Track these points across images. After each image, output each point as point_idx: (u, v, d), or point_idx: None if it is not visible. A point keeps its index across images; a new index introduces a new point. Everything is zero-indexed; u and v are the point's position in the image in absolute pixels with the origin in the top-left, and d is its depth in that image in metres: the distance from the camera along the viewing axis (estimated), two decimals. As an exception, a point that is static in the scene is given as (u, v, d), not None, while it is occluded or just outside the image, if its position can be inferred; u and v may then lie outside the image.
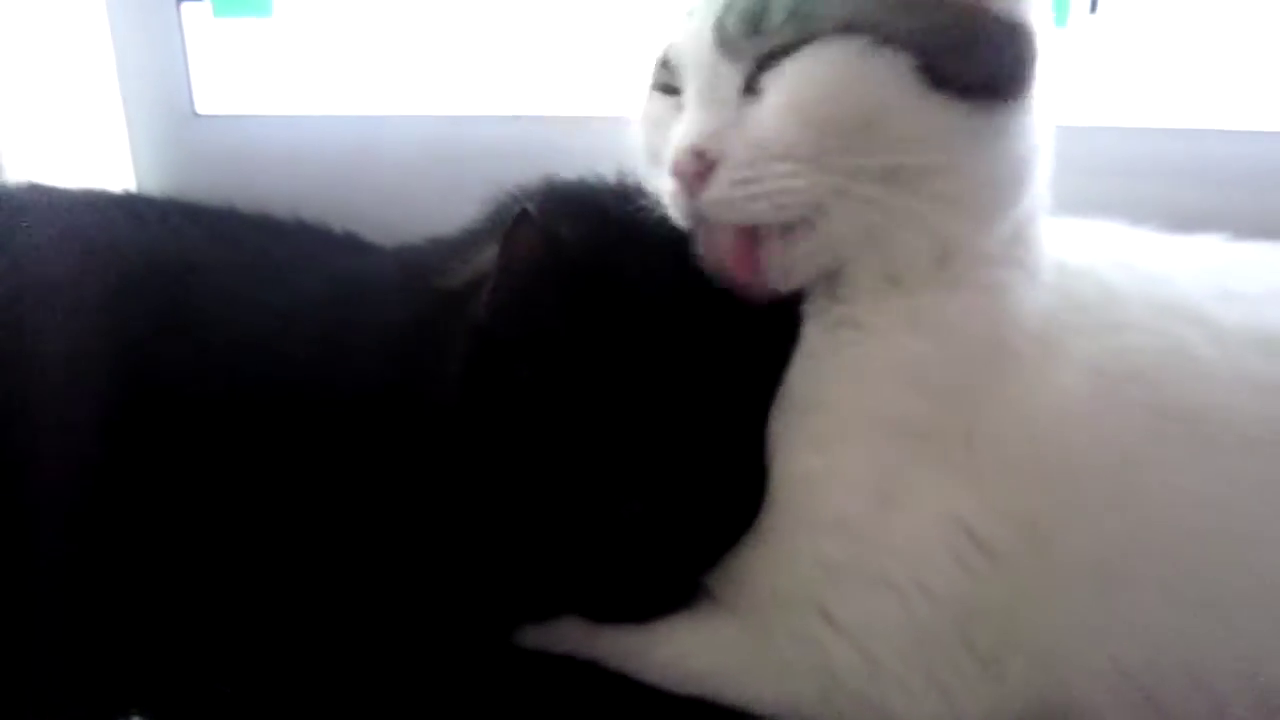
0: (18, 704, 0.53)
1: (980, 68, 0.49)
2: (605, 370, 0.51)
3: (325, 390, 0.55)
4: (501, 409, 0.51)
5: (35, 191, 0.72)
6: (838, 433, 0.52)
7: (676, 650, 0.54)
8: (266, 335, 0.58)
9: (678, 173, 0.49)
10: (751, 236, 0.51)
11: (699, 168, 0.49)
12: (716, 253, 0.52)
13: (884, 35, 0.47)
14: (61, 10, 0.87)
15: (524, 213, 0.49)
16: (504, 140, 0.82)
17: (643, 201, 0.54)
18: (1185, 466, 0.50)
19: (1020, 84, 0.50)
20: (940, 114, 0.48)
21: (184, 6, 0.84)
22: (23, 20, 0.87)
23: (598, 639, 0.56)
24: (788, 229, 0.50)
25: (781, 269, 0.51)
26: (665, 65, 0.53)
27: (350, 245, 0.70)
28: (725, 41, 0.49)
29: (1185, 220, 0.60)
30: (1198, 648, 0.49)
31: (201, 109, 0.87)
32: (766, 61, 0.49)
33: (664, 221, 0.53)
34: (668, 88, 0.53)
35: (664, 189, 0.52)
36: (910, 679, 0.51)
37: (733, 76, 0.49)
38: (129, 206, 0.70)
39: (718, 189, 0.49)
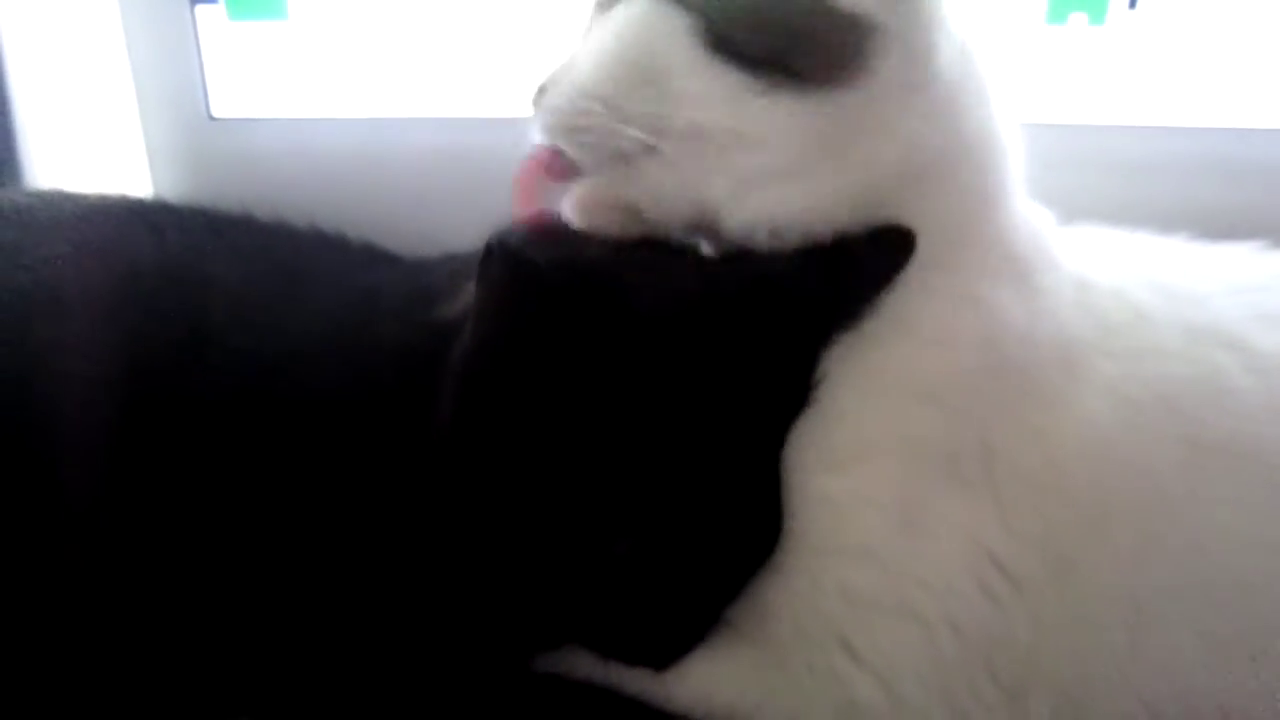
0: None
1: (771, 44, 0.48)
2: (586, 402, 0.49)
3: (333, 412, 0.54)
4: (490, 444, 0.50)
5: (53, 199, 0.71)
6: (855, 451, 0.51)
7: (696, 685, 0.53)
8: (278, 352, 0.57)
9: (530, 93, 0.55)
10: (546, 167, 0.54)
11: (541, 86, 0.54)
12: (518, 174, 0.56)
13: None
14: (75, 15, 0.87)
15: (493, 245, 0.47)
16: (527, 143, 0.81)
17: None
18: (1219, 501, 0.49)
19: (836, 72, 0.48)
20: (723, 80, 0.48)
21: (198, 9, 0.82)
22: (38, 25, 0.87)
23: (612, 668, 0.55)
24: (596, 166, 0.52)
25: (571, 206, 0.53)
26: None
27: (367, 257, 0.69)
28: None
29: (1226, 220, 0.59)
30: (1230, 689, 0.48)
31: (217, 112, 0.86)
32: (604, 8, 0.53)
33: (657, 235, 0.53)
34: None
35: None
36: (931, 709, 0.50)
37: (588, 21, 0.55)
38: (147, 215, 0.70)
39: (539, 111, 0.54)
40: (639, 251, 0.53)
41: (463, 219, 0.60)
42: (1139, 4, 0.75)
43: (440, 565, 0.52)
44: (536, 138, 0.54)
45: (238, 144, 0.86)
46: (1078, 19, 0.75)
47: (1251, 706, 0.48)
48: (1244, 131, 0.76)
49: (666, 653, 0.52)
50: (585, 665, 0.55)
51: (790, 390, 0.52)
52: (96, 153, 0.89)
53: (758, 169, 0.49)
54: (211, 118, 0.86)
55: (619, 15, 0.51)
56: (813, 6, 0.48)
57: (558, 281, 0.49)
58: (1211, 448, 0.49)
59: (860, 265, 0.51)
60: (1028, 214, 0.55)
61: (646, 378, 0.49)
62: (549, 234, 0.54)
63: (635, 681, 0.54)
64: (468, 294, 0.51)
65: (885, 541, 0.50)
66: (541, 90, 0.54)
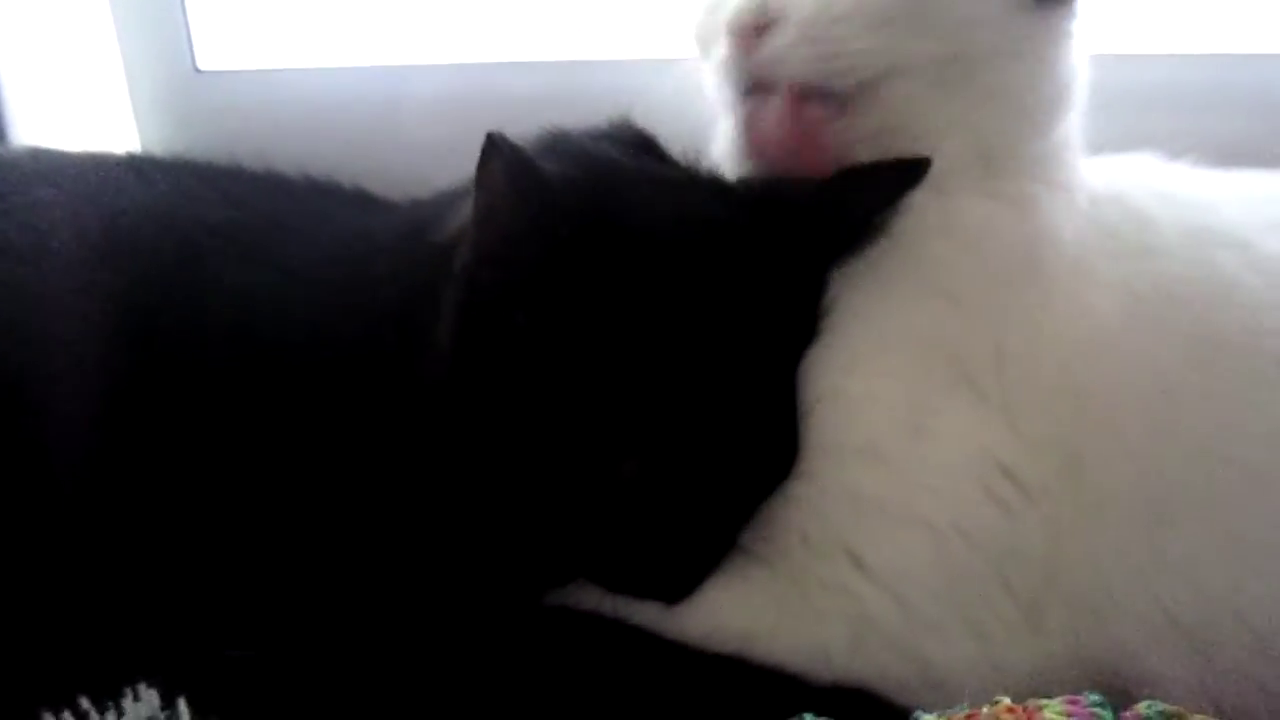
0: (25, 671, 0.52)
1: None
2: (591, 314, 0.48)
3: (332, 352, 0.54)
4: (491, 359, 0.49)
5: (38, 154, 0.70)
6: (868, 349, 0.51)
7: (709, 613, 0.52)
8: (275, 298, 0.56)
9: (733, 28, 0.50)
10: (802, 105, 0.50)
11: (758, 20, 0.49)
12: (763, 127, 0.52)
13: None
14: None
15: (491, 138, 0.45)
16: (522, 88, 0.80)
17: (649, 146, 0.54)
18: (1226, 396, 0.49)
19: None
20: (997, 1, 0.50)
21: (181, -40, 0.82)
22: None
23: (621, 602, 0.53)
24: (841, 100, 0.50)
25: (834, 142, 0.51)
26: None
27: (360, 202, 0.68)
28: None
29: (1230, 148, 0.58)
30: (1247, 589, 0.47)
31: (203, 65, 0.85)
32: None
33: (667, 162, 0.54)
34: None
35: (715, 62, 0.52)
36: (945, 622, 0.50)
37: None
38: (137, 168, 0.69)
39: (776, 44, 0.49)
40: (653, 167, 0.53)
41: (456, 168, 0.59)
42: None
43: (447, 496, 0.51)
44: (768, 76, 0.50)
45: (224, 96, 0.85)
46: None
47: (1268, 607, 0.47)
48: (1246, 57, 0.75)
49: (678, 586, 0.51)
50: (594, 599, 0.54)
51: (801, 309, 0.52)
52: (82, 109, 0.88)
53: (1005, 91, 0.52)
54: (197, 70, 0.85)
55: None
56: None
57: (565, 188, 0.48)
58: (1220, 344, 0.49)
59: (869, 190, 0.52)
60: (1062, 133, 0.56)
61: (652, 289, 0.49)
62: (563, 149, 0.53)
63: (645, 614, 0.53)
64: (463, 214, 0.51)
65: (892, 442, 0.50)
66: (769, 19, 0.49)
